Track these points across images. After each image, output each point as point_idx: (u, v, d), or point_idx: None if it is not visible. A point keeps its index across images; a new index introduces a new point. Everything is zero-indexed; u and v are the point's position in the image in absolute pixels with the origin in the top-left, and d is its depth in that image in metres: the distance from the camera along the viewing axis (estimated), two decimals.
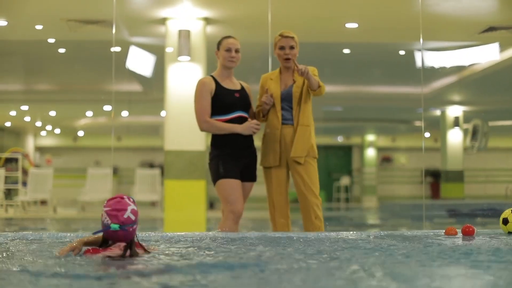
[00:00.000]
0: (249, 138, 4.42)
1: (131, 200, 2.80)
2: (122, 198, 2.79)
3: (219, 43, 4.43)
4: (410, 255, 2.95)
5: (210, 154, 4.42)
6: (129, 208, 2.76)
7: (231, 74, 4.48)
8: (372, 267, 2.51)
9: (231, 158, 4.32)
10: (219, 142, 4.36)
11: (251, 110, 4.54)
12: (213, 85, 4.36)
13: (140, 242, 2.93)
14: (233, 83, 4.46)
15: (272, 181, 4.52)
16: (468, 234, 3.90)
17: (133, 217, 2.76)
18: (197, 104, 4.36)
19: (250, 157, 4.44)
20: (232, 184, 4.28)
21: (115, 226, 2.72)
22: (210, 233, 4.14)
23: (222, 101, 4.33)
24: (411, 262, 2.73)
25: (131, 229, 2.76)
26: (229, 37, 4.44)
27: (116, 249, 2.77)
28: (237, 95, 4.41)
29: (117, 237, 2.76)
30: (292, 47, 4.46)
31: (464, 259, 2.79)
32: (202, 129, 4.40)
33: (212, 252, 3.05)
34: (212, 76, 4.45)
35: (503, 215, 3.95)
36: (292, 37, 4.47)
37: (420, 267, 2.59)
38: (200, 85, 4.38)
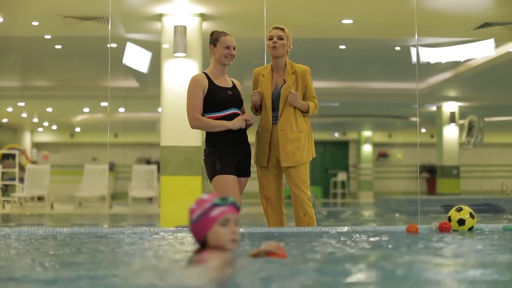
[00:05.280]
0: (243, 134, 4.46)
1: (202, 198, 2.44)
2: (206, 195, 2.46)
3: (216, 39, 4.43)
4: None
5: (205, 151, 4.44)
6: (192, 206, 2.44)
7: (225, 71, 4.50)
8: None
9: (227, 154, 4.35)
10: (214, 139, 4.38)
11: (243, 107, 4.57)
12: (205, 83, 4.38)
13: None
14: (226, 81, 4.49)
15: (263, 179, 4.58)
16: (444, 230, 3.96)
17: (189, 215, 2.43)
18: (189, 101, 4.38)
19: (244, 152, 4.47)
20: (229, 180, 4.31)
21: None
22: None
23: (215, 98, 4.35)
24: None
25: (190, 226, 2.42)
26: (225, 33, 4.45)
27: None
28: (229, 92, 4.44)
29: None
30: (280, 38, 4.49)
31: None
32: (192, 127, 4.42)
33: None
34: (205, 73, 4.47)
35: (454, 218, 3.98)
36: (282, 29, 4.52)
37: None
38: (193, 82, 4.40)
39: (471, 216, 3.99)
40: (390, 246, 3.29)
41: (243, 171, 4.46)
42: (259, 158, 4.55)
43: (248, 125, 4.45)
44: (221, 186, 4.30)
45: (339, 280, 2.20)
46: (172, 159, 7.53)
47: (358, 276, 2.29)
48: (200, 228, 2.36)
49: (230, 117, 4.38)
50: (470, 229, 3.99)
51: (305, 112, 4.52)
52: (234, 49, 4.43)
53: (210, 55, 4.50)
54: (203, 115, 4.37)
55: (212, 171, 4.35)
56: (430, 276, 2.27)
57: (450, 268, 2.47)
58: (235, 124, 4.34)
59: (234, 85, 4.53)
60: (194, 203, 2.41)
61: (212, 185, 4.37)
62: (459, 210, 4.01)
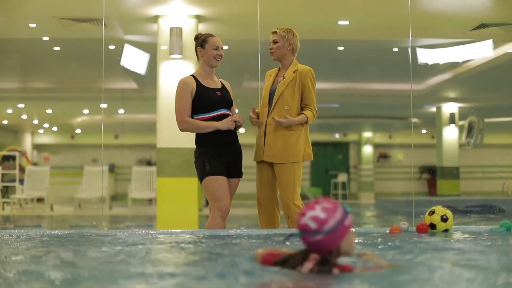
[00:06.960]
0: (232, 135, 4.45)
1: (325, 206, 2.28)
2: (317, 202, 2.31)
3: (204, 41, 4.44)
4: None
5: (195, 152, 4.44)
6: (308, 214, 2.27)
7: (213, 72, 4.51)
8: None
9: (216, 155, 4.35)
10: (203, 140, 4.38)
11: (233, 108, 4.57)
12: (193, 85, 4.39)
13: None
14: (214, 82, 4.49)
15: (257, 176, 4.56)
16: (422, 231, 3.98)
17: (312, 225, 2.26)
18: (177, 104, 4.39)
19: (234, 153, 4.47)
20: (219, 181, 4.31)
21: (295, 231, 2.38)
22: (199, 230, 4.20)
23: (204, 100, 4.36)
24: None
25: (311, 238, 2.26)
26: (212, 35, 4.48)
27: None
28: (218, 93, 4.44)
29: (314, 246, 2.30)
30: (275, 42, 4.53)
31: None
32: (181, 129, 4.42)
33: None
34: (193, 76, 4.47)
35: (426, 222, 4.01)
36: (275, 32, 4.55)
37: None
38: (181, 85, 4.41)
39: (443, 219, 3.97)
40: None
41: (233, 172, 4.46)
42: (258, 152, 4.52)
43: (237, 126, 4.45)
44: (211, 187, 4.30)
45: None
46: (169, 161, 7.53)
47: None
48: (337, 237, 2.26)
49: (219, 118, 4.38)
50: (445, 231, 3.99)
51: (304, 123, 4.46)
52: (221, 49, 4.45)
53: (197, 57, 4.50)
54: (193, 117, 4.38)
55: (202, 173, 4.35)
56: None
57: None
58: (224, 124, 4.34)
59: (223, 86, 4.53)
60: (323, 211, 2.27)
61: (203, 186, 4.37)
62: (431, 213, 4.02)
